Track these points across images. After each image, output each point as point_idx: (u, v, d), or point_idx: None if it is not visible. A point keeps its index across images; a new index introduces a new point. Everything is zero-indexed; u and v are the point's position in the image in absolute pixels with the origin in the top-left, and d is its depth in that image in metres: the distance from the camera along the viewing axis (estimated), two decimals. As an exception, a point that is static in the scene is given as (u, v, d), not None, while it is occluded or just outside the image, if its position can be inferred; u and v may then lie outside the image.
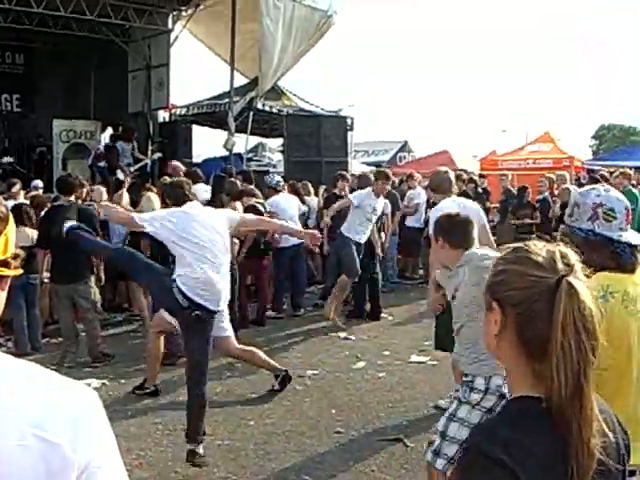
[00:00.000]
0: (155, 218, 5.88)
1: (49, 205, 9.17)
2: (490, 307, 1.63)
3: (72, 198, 8.65)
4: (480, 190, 15.13)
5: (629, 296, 2.75)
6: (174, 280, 5.68)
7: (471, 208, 7.02)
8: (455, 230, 4.51)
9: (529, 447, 1.46)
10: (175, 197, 6.12)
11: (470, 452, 1.52)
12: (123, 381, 7.78)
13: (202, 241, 5.70)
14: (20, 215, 8.46)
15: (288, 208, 10.97)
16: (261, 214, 10.45)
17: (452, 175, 7.41)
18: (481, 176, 17.51)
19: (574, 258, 1.58)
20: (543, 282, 1.53)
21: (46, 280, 8.78)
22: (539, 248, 1.60)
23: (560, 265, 1.55)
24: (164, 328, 7.03)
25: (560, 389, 1.47)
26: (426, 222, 10.95)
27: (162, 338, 7.25)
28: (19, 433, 1.33)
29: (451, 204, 7.03)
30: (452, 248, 4.46)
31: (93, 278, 8.58)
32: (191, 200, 6.05)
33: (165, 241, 5.79)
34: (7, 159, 15.24)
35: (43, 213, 9.04)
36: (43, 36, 16.23)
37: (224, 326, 6.88)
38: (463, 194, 14.04)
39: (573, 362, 1.47)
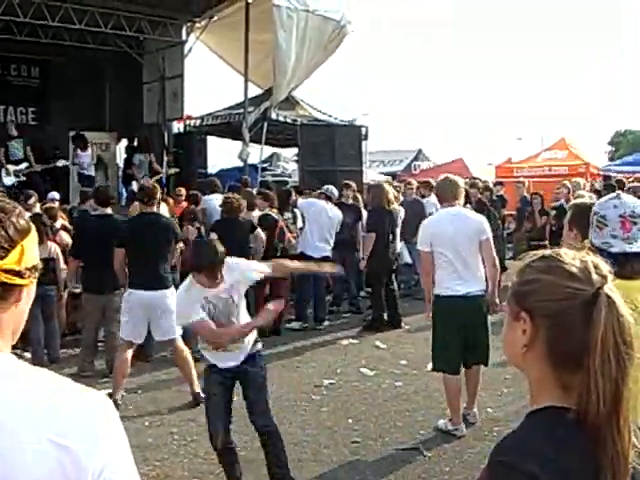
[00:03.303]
0: None
1: (87, 216, 9.08)
2: (517, 317, 1.58)
3: (109, 210, 8.69)
4: (495, 198, 15.08)
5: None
6: None
7: (471, 220, 6.74)
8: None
9: (561, 459, 1.43)
10: None
11: (501, 468, 1.47)
12: (140, 391, 7.80)
13: None
14: (39, 227, 8.51)
15: (327, 215, 11.02)
16: (276, 222, 10.53)
17: (457, 183, 6.85)
18: (499, 183, 17.46)
19: (606, 268, 1.54)
20: (579, 294, 1.49)
21: (77, 290, 8.81)
22: (571, 257, 1.57)
23: (595, 276, 1.51)
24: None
25: (599, 402, 1.43)
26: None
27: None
28: (35, 438, 1.35)
29: (440, 215, 6.88)
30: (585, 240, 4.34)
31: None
32: None
33: None
34: (62, 162, 15.37)
35: (78, 223, 9.04)
36: (58, 49, 16.32)
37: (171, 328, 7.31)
38: (479, 202, 14.07)
39: (612, 374, 1.44)
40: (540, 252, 1.64)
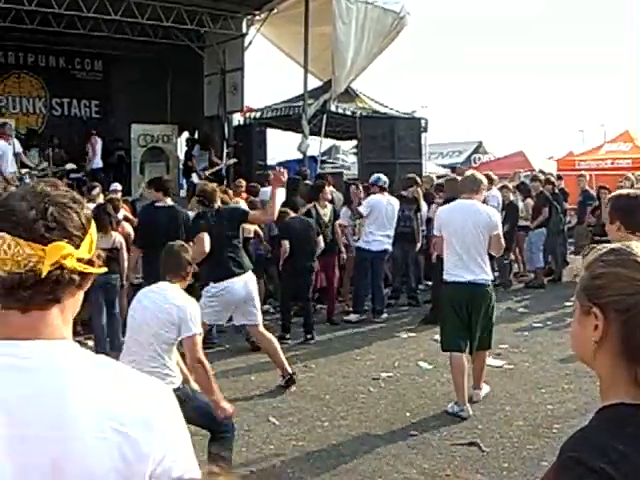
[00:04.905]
0: None
1: (152, 207, 9.09)
2: (588, 312, 1.54)
3: (169, 200, 8.82)
4: (557, 191, 14.86)
5: None
6: None
7: (483, 214, 7.00)
8: (635, 213, 4.11)
9: (633, 457, 1.39)
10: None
11: (572, 463, 1.44)
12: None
13: None
14: (105, 218, 8.67)
15: (387, 209, 10.95)
16: (336, 216, 10.63)
17: (480, 180, 7.21)
18: (558, 177, 17.20)
19: None
20: None
21: (136, 281, 8.91)
22: None
23: None
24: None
25: None
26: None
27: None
28: (98, 426, 1.38)
29: (452, 206, 7.28)
30: (628, 231, 4.06)
31: None
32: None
33: None
34: (70, 165, 15.74)
35: (141, 213, 9.11)
36: (121, 43, 16.57)
37: (254, 312, 7.52)
38: (540, 195, 13.89)
39: None
40: (609, 245, 1.60)
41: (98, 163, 16.29)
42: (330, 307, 10.88)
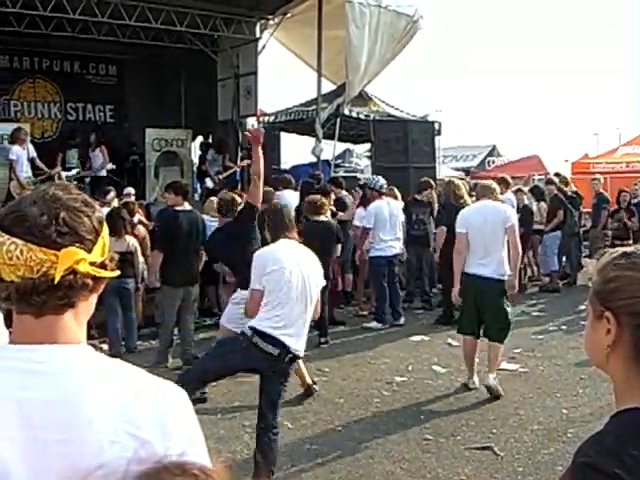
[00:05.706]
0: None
1: (172, 211, 9.04)
2: (601, 316, 1.53)
3: (187, 205, 8.82)
4: (573, 195, 14.80)
5: None
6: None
7: (498, 210, 7.67)
8: None
9: None
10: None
11: (586, 469, 1.43)
12: (213, 384, 7.87)
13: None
14: (119, 222, 8.71)
15: (391, 213, 10.89)
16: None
17: (493, 187, 8.01)
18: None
19: None
20: None
21: (158, 284, 8.92)
22: None
23: None
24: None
25: None
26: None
27: None
28: (112, 429, 1.38)
29: (473, 206, 8.14)
30: None
31: None
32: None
33: None
34: (105, 171, 15.67)
35: (162, 217, 9.12)
36: (135, 48, 16.61)
37: None
38: (554, 199, 13.85)
39: None
40: (621, 249, 1.59)
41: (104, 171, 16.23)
42: (330, 307, 10.72)
